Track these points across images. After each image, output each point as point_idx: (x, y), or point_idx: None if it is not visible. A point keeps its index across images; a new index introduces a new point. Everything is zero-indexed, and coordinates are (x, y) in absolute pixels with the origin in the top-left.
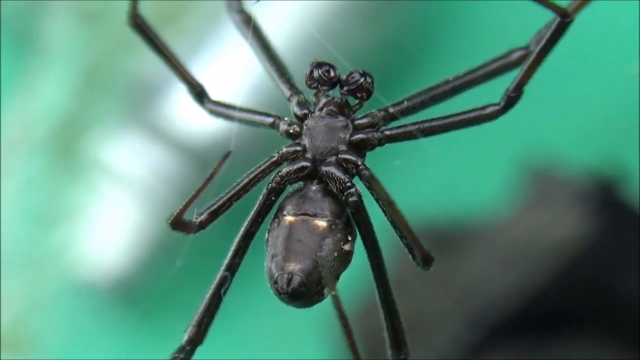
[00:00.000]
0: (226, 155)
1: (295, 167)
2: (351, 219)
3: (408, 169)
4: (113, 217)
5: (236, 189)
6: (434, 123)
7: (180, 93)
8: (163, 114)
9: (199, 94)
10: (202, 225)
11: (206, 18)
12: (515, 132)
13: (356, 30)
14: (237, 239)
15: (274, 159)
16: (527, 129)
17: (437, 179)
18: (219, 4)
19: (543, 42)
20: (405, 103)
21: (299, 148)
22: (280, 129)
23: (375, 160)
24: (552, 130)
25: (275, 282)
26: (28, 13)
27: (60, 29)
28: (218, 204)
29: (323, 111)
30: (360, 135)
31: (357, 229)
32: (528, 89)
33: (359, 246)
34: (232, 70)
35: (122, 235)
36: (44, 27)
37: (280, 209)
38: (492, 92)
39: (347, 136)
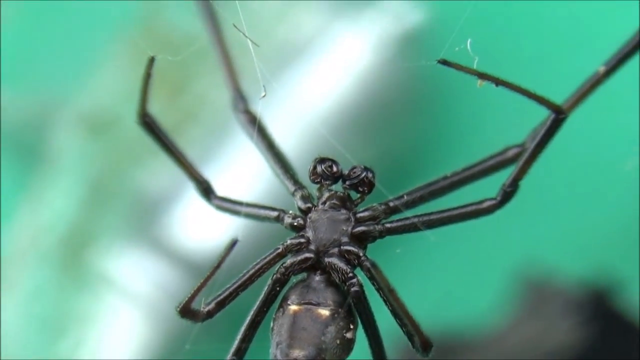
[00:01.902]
0: (233, 244)
1: (299, 258)
2: (353, 308)
3: (408, 256)
4: (118, 328)
5: (242, 279)
6: (433, 216)
7: (184, 207)
8: (168, 228)
9: (206, 190)
10: (210, 314)
11: (213, 127)
12: (510, 243)
13: (359, 127)
14: (243, 328)
15: (279, 250)
16: (521, 240)
17: (433, 291)
18: (226, 112)
19: (538, 138)
20: (406, 197)
21: (302, 240)
22: (285, 222)
23: (376, 248)
24: (545, 242)
25: None
26: (37, 124)
27: (68, 141)
28: (225, 294)
29: (326, 205)
30: (362, 228)
31: (358, 318)
32: (522, 200)
33: (360, 333)
34: (239, 172)
35: (126, 347)
36: (52, 138)
37: (285, 299)
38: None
39: (349, 228)
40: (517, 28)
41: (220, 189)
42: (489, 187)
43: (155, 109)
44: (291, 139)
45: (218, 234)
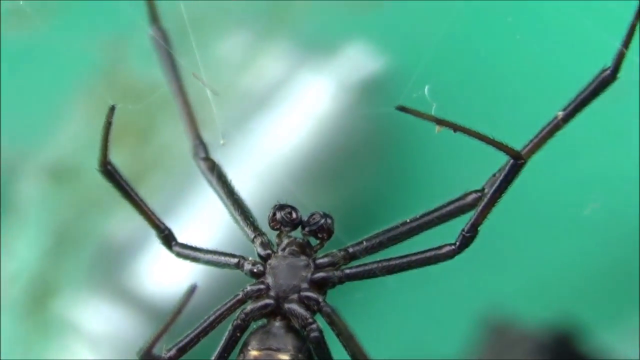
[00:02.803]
0: (192, 290)
1: (259, 304)
2: (313, 353)
3: (369, 301)
4: None
5: (203, 325)
6: (392, 262)
7: (148, 254)
8: (132, 275)
9: (167, 237)
10: None
11: (177, 175)
12: (473, 289)
13: (321, 174)
14: None
15: (239, 297)
16: (484, 286)
17: (396, 337)
18: (189, 160)
19: (497, 184)
20: (365, 243)
21: (262, 286)
22: (245, 268)
23: (336, 293)
24: (508, 287)
25: None
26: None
27: (32, 190)
28: (186, 339)
29: (285, 251)
30: (321, 274)
31: None
32: (484, 246)
33: None
34: (202, 219)
35: None
36: (16, 188)
37: (245, 344)
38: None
39: (309, 275)
40: (476, 74)
41: (183, 237)
42: (451, 232)
43: (120, 157)
44: (252, 186)
45: (182, 280)
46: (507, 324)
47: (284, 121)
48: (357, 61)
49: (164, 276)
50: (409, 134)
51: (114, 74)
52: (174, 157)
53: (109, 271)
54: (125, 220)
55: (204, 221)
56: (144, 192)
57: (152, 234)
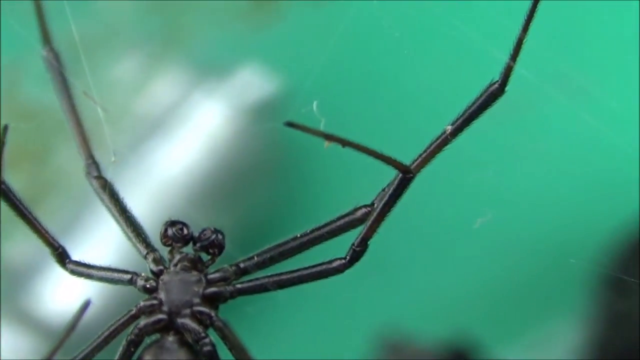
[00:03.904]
0: (86, 306)
1: (152, 320)
2: None
3: (260, 315)
4: None
5: (97, 341)
6: (283, 277)
7: (45, 275)
8: (30, 295)
9: (60, 255)
10: None
11: (73, 195)
12: (367, 306)
13: (215, 194)
14: None
15: (132, 312)
16: (378, 302)
17: (289, 351)
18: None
19: (386, 198)
20: (256, 258)
21: (155, 302)
22: (138, 284)
23: (228, 307)
24: (402, 303)
25: None
26: None
27: None
28: (80, 356)
29: (177, 267)
30: (213, 289)
31: None
32: (378, 263)
33: None
34: (99, 237)
35: None
36: None
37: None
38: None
39: (201, 290)
40: (365, 89)
41: (80, 255)
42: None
43: (17, 180)
44: (146, 204)
45: (80, 298)
46: (403, 341)
47: (178, 142)
48: (249, 81)
49: (65, 296)
50: (300, 150)
51: (8, 95)
52: (70, 178)
53: (7, 293)
54: (22, 242)
55: (100, 240)
56: (42, 214)
57: (48, 254)
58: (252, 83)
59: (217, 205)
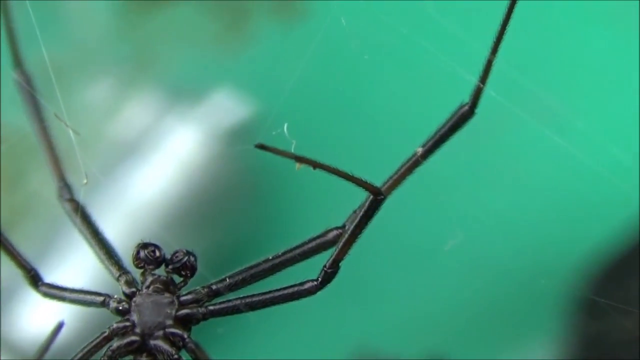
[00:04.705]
0: (59, 327)
1: (125, 341)
2: None
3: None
4: None
5: None
6: (255, 298)
7: (21, 300)
8: (5, 321)
9: (33, 277)
10: None
11: (47, 219)
12: (340, 327)
13: (188, 218)
14: None
15: (105, 334)
16: (351, 324)
17: None
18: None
19: (357, 219)
20: (228, 280)
21: (128, 324)
22: (110, 306)
23: (200, 328)
24: (375, 325)
25: None
26: None
27: None
28: None
29: (150, 289)
30: (185, 311)
31: None
32: (353, 288)
33: None
34: (73, 261)
35: None
36: None
37: None
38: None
39: (173, 312)
40: (337, 111)
41: (53, 278)
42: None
43: None
44: (119, 228)
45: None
46: None
47: (151, 165)
48: (221, 105)
49: (40, 320)
50: (272, 173)
51: None
52: (43, 202)
53: None
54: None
55: (73, 263)
56: (14, 238)
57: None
58: (224, 106)
59: (190, 227)
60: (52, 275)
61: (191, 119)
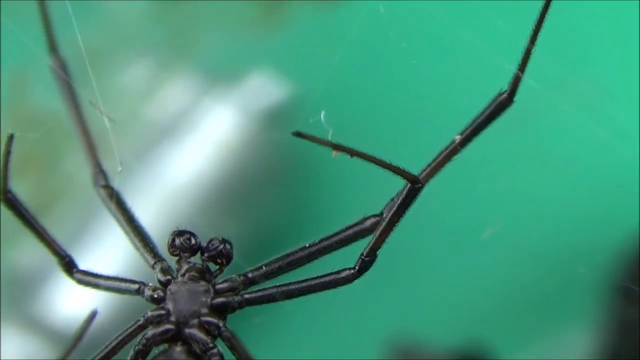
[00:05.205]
0: (93, 316)
1: (159, 330)
2: None
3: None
4: None
5: (105, 351)
6: (292, 286)
7: (55, 281)
8: (39, 303)
9: (67, 264)
10: None
11: (81, 204)
12: (378, 313)
13: (225, 202)
14: None
15: (140, 322)
16: (389, 310)
17: None
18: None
19: (395, 207)
20: (264, 268)
21: (163, 312)
22: (145, 294)
23: (236, 317)
24: (413, 311)
25: None
26: None
27: None
28: None
29: (185, 277)
30: (221, 299)
31: None
32: (388, 271)
33: None
34: (107, 247)
35: None
36: None
37: None
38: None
39: (209, 300)
40: (373, 99)
41: (87, 264)
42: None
43: (24, 188)
44: (154, 214)
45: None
46: (413, 348)
47: (187, 150)
48: (259, 88)
49: (73, 303)
50: (310, 159)
51: (15, 103)
52: (78, 186)
53: (16, 300)
54: (30, 250)
55: (108, 249)
56: (49, 222)
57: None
58: (261, 90)
59: (225, 214)
60: (85, 260)
61: (227, 102)
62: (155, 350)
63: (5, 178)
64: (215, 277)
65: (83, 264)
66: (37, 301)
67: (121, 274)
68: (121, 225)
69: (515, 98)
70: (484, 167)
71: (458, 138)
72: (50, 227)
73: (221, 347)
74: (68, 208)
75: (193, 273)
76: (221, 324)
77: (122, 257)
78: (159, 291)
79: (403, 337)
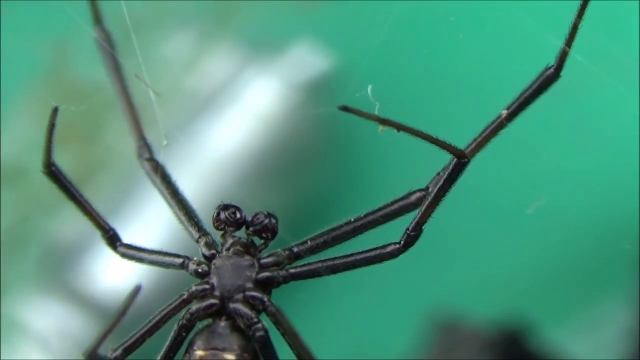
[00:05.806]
0: (137, 290)
1: (204, 304)
2: (259, 353)
3: (313, 301)
4: None
5: (149, 326)
6: (337, 261)
7: (95, 254)
8: (79, 275)
9: (111, 238)
10: None
11: (124, 176)
12: (419, 288)
13: (267, 174)
14: None
15: (184, 297)
16: (431, 284)
17: (342, 336)
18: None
19: (441, 182)
20: (309, 243)
21: (207, 286)
22: (190, 269)
23: (281, 293)
24: (455, 285)
25: None
26: None
27: None
28: (132, 340)
29: (230, 251)
30: (266, 274)
31: None
32: (430, 244)
33: None
34: (149, 219)
35: None
36: None
37: (191, 344)
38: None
39: (254, 274)
40: (420, 73)
41: (128, 237)
42: (396, 230)
43: (66, 159)
44: (197, 186)
45: (131, 279)
46: (455, 323)
47: (229, 121)
48: (303, 61)
49: (114, 275)
50: (354, 133)
51: (58, 75)
52: (120, 157)
53: (57, 271)
54: (71, 221)
55: (150, 221)
56: (90, 193)
57: (98, 234)
58: (305, 61)
59: (268, 187)
60: (127, 232)
61: (271, 73)
62: (199, 325)
63: (49, 151)
64: (260, 251)
65: (125, 235)
66: (77, 273)
67: (163, 248)
68: (165, 199)
69: (562, 73)
70: (529, 142)
71: (504, 113)
72: (92, 198)
73: (266, 322)
74: (109, 180)
75: (238, 247)
76: (266, 299)
77: (163, 229)
78: (203, 265)
79: (443, 310)
